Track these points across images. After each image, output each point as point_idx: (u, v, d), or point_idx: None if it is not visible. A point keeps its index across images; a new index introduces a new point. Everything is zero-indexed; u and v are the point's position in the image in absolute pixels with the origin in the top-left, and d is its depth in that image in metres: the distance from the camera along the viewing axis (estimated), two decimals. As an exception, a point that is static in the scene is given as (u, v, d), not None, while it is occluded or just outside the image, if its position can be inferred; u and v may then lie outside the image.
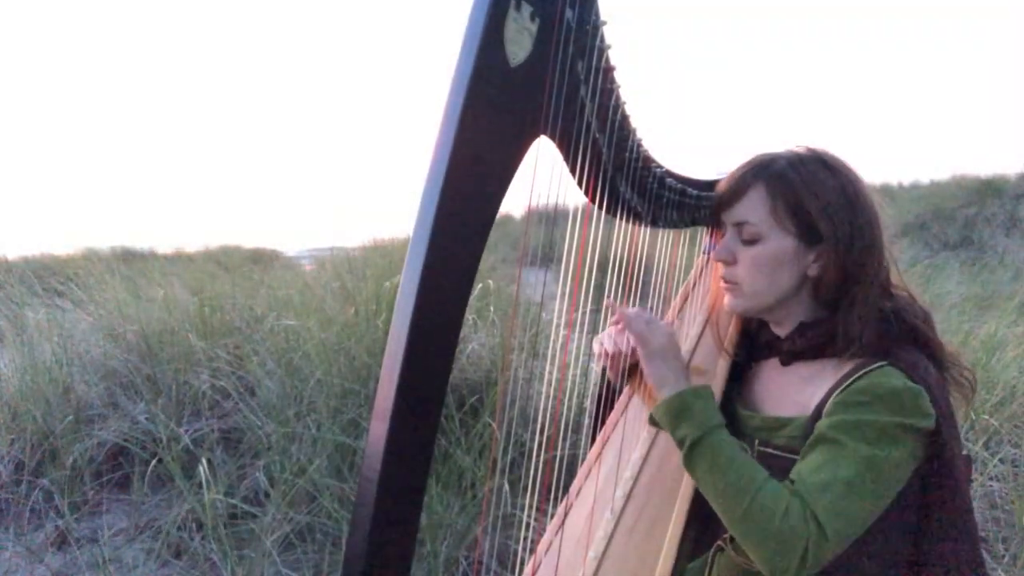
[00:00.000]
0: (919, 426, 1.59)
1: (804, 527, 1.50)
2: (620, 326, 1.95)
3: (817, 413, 1.67)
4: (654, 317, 1.84)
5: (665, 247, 2.14)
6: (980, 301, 7.28)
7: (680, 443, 1.69)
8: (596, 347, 2.07)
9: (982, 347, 5.13)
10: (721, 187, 1.84)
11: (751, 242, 1.78)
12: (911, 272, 7.82)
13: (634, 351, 1.92)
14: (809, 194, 1.71)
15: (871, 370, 1.63)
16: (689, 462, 1.67)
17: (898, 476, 1.60)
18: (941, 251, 13.62)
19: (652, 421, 1.80)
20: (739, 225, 1.80)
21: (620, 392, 2.13)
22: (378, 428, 1.20)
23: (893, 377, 1.61)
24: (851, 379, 1.64)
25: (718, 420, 1.69)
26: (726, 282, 1.86)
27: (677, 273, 2.23)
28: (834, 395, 1.64)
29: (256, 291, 6.86)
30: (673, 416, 1.70)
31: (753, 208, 1.77)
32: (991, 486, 3.98)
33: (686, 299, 2.33)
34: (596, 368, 2.17)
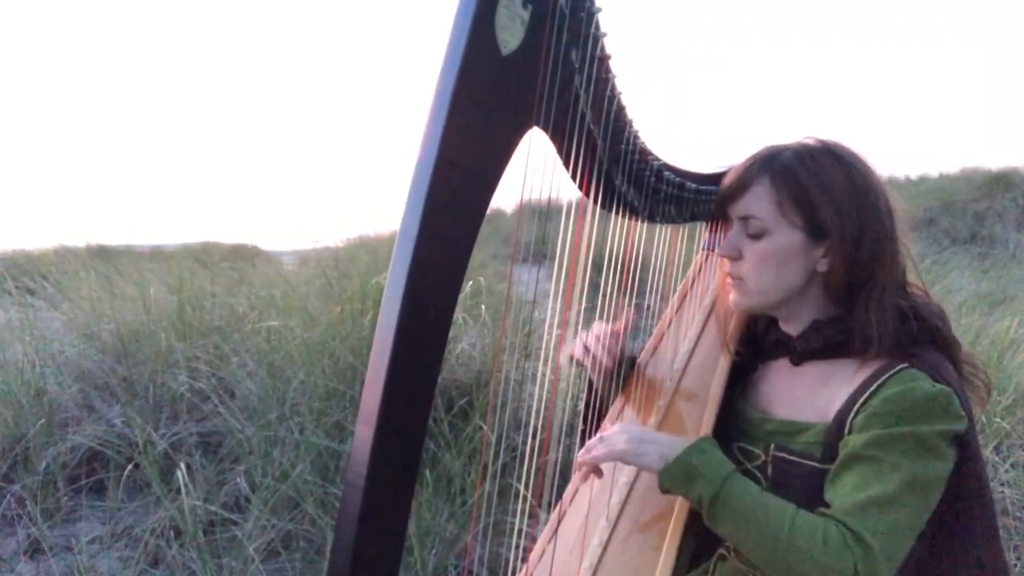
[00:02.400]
0: (955, 431, 1.60)
1: (848, 552, 1.50)
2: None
3: (839, 421, 1.67)
4: (603, 433, 1.77)
5: (663, 243, 2.14)
6: (991, 299, 7.28)
7: (698, 504, 1.64)
8: (563, 359, 2.07)
9: (993, 347, 5.13)
10: (727, 180, 1.84)
11: (757, 236, 1.77)
12: (919, 268, 7.84)
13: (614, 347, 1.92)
14: (816, 187, 1.71)
15: (894, 374, 1.63)
16: (712, 520, 1.63)
17: (939, 487, 1.61)
18: (950, 246, 13.58)
19: (664, 491, 1.72)
20: (744, 219, 1.79)
21: (608, 399, 2.12)
22: (363, 432, 1.21)
23: (920, 380, 1.61)
24: (874, 385, 1.64)
25: (728, 469, 1.64)
26: (732, 278, 1.85)
27: (675, 270, 2.23)
28: (859, 404, 1.64)
29: (236, 289, 6.85)
30: (682, 483, 1.65)
31: (759, 201, 1.76)
32: (1002, 492, 3.98)
33: (685, 297, 2.33)
34: (573, 364, 2.15)
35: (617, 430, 1.74)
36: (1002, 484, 4.01)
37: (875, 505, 1.53)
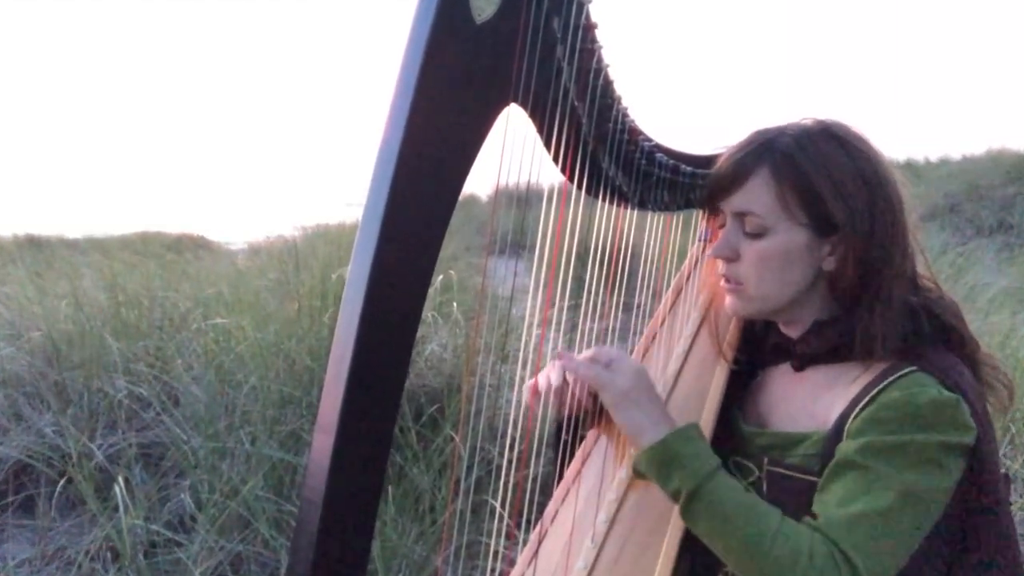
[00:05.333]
0: (961, 443, 1.59)
1: (834, 570, 1.50)
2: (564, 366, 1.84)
3: (838, 428, 1.66)
4: (615, 354, 1.75)
5: (655, 232, 2.13)
6: (1021, 294, 7.30)
7: (674, 496, 1.63)
8: (527, 395, 1.90)
9: (1023, 347, 5.14)
10: (718, 170, 1.79)
11: (756, 235, 1.73)
12: (940, 261, 7.87)
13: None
14: (821, 176, 1.67)
15: (899, 377, 1.62)
16: (688, 516, 1.62)
17: (939, 502, 1.61)
18: (975, 236, 13.65)
19: (637, 473, 1.73)
20: (741, 215, 1.75)
21: (584, 423, 2.09)
22: (322, 442, 1.21)
23: (926, 385, 1.60)
24: (877, 388, 1.63)
25: (713, 464, 1.63)
26: (728, 281, 1.81)
27: (668, 263, 2.22)
28: (859, 408, 1.63)
29: (180, 284, 6.84)
30: (660, 468, 1.64)
31: (757, 196, 1.72)
32: (1034, 509, 3.99)
33: (679, 293, 2.33)
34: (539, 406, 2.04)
35: (628, 368, 1.71)
36: (1032, 500, 4.03)
37: (865, 520, 1.54)
